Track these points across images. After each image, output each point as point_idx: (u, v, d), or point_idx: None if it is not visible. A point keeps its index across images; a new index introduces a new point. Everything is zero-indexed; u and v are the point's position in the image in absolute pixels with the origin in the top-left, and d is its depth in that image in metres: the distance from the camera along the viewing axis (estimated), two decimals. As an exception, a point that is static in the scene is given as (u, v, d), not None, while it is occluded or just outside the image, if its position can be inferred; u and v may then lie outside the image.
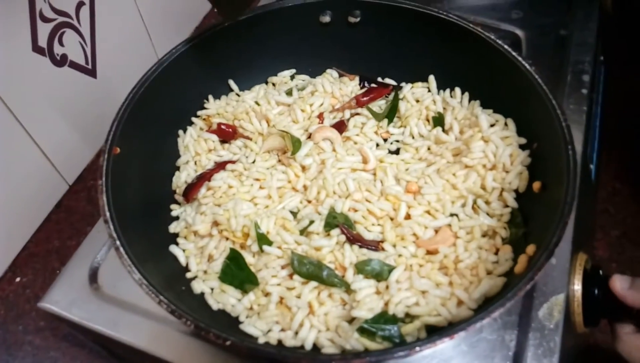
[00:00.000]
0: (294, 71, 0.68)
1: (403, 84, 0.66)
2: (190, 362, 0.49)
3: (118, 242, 0.40)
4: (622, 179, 0.81)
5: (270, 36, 0.61)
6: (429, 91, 0.65)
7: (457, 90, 0.63)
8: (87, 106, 0.79)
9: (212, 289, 0.50)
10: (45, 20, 0.69)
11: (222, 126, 0.61)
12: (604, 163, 0.80)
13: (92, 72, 0.79)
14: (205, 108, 0.64)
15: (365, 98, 0.65)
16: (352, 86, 0.67)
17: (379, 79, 0.68)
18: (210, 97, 0.65)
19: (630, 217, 0.77)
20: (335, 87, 0.66)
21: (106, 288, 0.55)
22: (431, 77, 0.65)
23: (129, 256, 0.39)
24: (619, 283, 0.50)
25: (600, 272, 0.53)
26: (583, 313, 0.52)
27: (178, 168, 0.60)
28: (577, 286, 0.52)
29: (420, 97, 0.64)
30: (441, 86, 0.65)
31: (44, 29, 0.69)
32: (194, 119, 0.61)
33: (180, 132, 0.60)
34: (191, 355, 0.49)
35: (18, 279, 0.74)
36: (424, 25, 0.59)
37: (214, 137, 0.62)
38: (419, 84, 0.66)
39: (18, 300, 0.72)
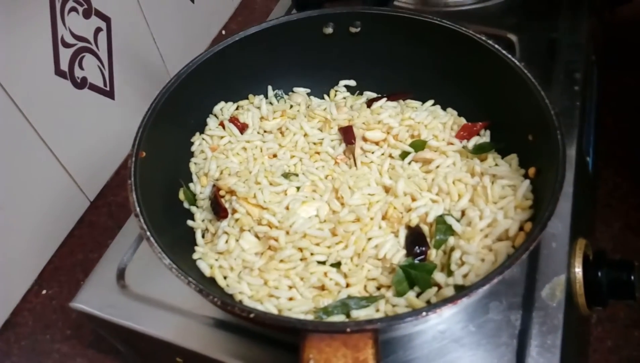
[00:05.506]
0: (308, 90, 0.70)
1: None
2: (213, 351, 0.52)
3: (148, 233, 0.43)
4: (622, 175, 0.84)
5: (279, 48, 0.64)
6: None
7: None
8: (106, 125, 0.83)
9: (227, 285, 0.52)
10: (66, 45, 0.73)
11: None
12: (605, 160, 0.83)
13: (110, 94, 0.83)
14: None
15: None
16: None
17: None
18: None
19: (632, 210, 0.80)
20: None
21: (133, 286, 0.58)
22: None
23: (158, 244, 0.42)
24: None
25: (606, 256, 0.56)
26: (586, 295, 0.55)
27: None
28: (578, 269, 0.55)
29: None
30: (435, 89, 0.65)
31: (65, 54, 0.73)
32: (208, 120, 0.64)
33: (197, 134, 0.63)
34: (213, 346, 0.52)
35: (44, 291, 0.77)
36: (417, 32, 0.62)
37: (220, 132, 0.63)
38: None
39: (45, 311, 0.75)
